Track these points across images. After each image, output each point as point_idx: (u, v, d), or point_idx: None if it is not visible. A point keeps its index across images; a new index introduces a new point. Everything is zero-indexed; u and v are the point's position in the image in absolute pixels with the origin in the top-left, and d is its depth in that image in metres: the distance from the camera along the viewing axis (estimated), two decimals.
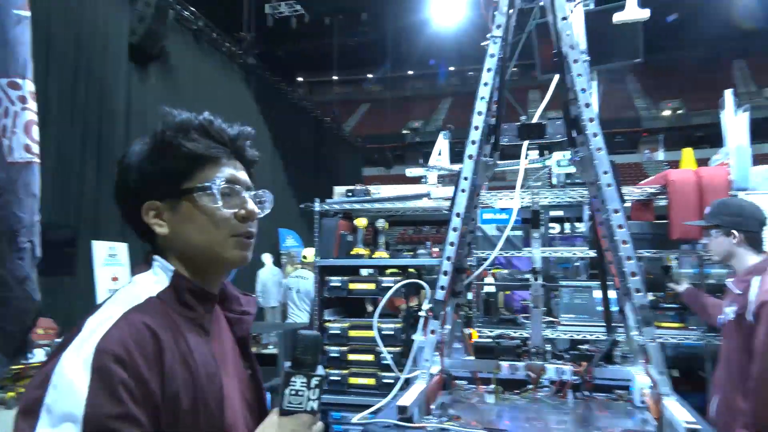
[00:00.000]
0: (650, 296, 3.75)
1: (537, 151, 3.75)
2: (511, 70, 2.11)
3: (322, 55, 26.31)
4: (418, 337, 1.79)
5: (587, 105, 1.68)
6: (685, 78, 28.80)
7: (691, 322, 3.39)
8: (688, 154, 4.14)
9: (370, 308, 4.58)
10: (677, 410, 1.41)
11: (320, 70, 30.55)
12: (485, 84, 1.77)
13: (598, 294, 3.59)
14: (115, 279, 5.49)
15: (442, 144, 4.10)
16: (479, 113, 1.78)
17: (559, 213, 4.31)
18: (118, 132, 7.68)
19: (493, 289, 3.55)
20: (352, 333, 3.70)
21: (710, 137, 28.16)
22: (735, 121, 3.47)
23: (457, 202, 1.77)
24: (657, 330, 3.38)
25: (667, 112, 29.05)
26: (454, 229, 1.77)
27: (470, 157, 1.78)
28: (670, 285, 3.20)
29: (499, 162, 2.07)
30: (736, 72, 30.23)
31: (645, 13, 2.77)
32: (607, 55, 3.40)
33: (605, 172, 1.65)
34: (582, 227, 4.30)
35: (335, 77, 30.99)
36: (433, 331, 1.76)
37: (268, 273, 10.29)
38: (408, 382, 1.75)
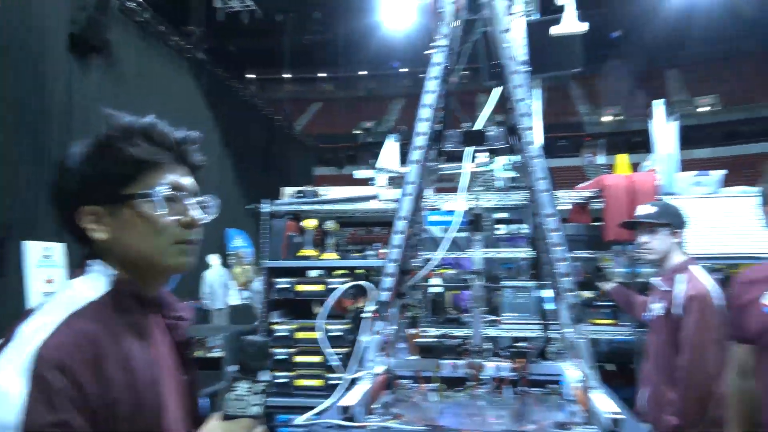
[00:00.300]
0: (586, 294, 3.96)
1: (487, 154, 3.87)
2: (459, 76, 2.18)
3: (274, 53, 25.97)
4: (362, 338, 1.82)
5: (524, 115, 1.76)
6: (624, 86, 30.18)
7: (623, 319, 3.59)
8: (622, 160, 4.38)
9: (317, 310, 4.58)
10: (603, 402, 1.51)
11: (272, 67, 30.12)
12: (430, 91, 1.83)
13: (546, 293, 3.75)
14: (49, 281, 5.24)
15: (391, 146, 4.15)
16: (424, 119, 1.83)
17: (504, 215, 4.45)
18: (56, 126, 7.31)
19: (440, 289, 3.63)
20: (300, 335, 3.70)
21: (646, 142, 29.66)
22: (664, 130, 3.70)
23: (402, 206, 1.82)
24: (591, 326, 3.60)
25: (607, 118, 30.38)
26: (399, 232, 1.82)
27: (415, 162, 1.83)
28: (600, 283, 3.38)
29: (443, 166, 2.13)
30: (669, 81, 32.00)
31: (583, 27, 2.92)
32: (548, 65, 3.56)
33: (541, 179, 1.74)
34: (526, 229, 4.46)
35: (287, 75, 30.66)
36: (377, 332, 1.80)
37: (215, 274, 10.08)
38: (353, 383, 1.78)
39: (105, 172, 0.95)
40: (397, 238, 1.81)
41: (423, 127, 1.83)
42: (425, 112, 1.83)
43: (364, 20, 21.28)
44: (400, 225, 1.81)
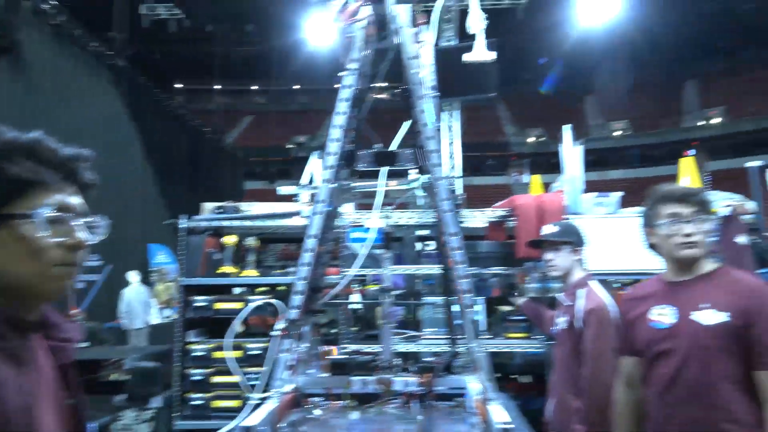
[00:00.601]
0: (502, 309, 4.13)
1: (417, 172, 3.97)
2: (373, 98, 2.25)
3: (204, 63, 25.34)
4: (271, 357, 1.81)
5: (430, 138, 1.85)
6: (547, 109, 31.94)
7: (535, 333, 3.77)
8: (536, 181, 4.64)
9: (240, 328, 4.47)
10: (498, 413, 1.59)
11: (201, 77, 29.34)
12: (340, 113, 1.87)
13: (457, 308, 3.87)
14: None
15: (315, 163, 4.17)
16: (335, 140, 1.88)
17: (426, 232, 4.57)
18: None
19: (359, 305, 3.67)
20: (217, 354, 3.60)
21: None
22: (571, 153, 3.96)
23: (312, 224, 1.85)
24: (506, 340, 3.75)
25: (531, 139, 31.96)
26: (309, 250, 1.84)
27: (326, 181, 1.86)
28: (513, 299, 3.55)
29: (357, 185, 2.18)
30: (588, 106, 34.22)
31: (491, 55, 3.09)
32: (464, 89, 3.76)
33: (444, 199, 1.82)
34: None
35: (218, 86, 29.94)
36: (286, 350, 1.80)
37: (133, 292, 9.59)
38: (260, 403, 1.77)
39: None
40: (307, 256, 1.83)
41: (333, 147, 1.87)
42: (336, 133, 1.87)
43: (297, 35, 21.27)
44: (310, 243, 1.83)
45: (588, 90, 33.62)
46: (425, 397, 1.99)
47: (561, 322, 2.81)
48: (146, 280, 11.29)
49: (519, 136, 33.42)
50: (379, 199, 2.27)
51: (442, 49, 3.68)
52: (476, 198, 27.14)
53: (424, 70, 1.95)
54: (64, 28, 9.47)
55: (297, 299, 1.80)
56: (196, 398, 3.61)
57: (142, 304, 9.60)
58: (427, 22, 2.16)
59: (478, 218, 3.85)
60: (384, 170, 2.26)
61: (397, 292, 4.52)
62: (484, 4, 5.88)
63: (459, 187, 4.48)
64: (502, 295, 4.55)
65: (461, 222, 3.59)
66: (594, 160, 31.75)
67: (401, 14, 1.90)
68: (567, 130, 4.09)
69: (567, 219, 3.39)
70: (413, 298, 4.15)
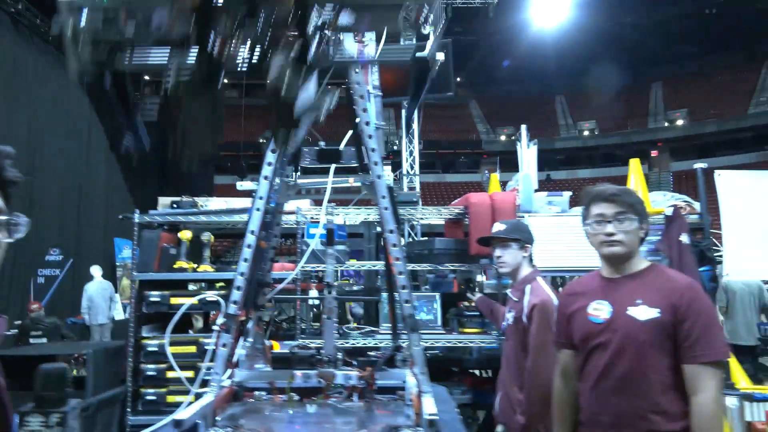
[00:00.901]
0: (460, 305, 4.21)
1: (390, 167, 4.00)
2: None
3: None
4: (210, 351, 1.83)
5: (370, 137, 1.88)
6: (518, 108, 32.37)
7: (491, 328, 3.86)
8: (494, 179, 4.73)
9: (198, 324, 4.46)
10: (428, 405, 1.65)
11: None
12: None
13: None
14: None
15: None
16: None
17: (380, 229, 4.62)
18: None
19: (317, 301, 3.69)
20: (172, 350, 3.58)
21: (542, 162, 31.87)
22: (526, 154, 4.06)
23: (251, 221, 1.86)
24: (462, 335, 3.83)
25: (503, 137, 32.35)
26: (248, 246, 1.86)
27: (265, 178, 1.88)
28: (467, 294, 3.62)
29: (302, 182, 2.20)
30: (558, 106, 34.81)
31: (440, 56, 3.15)
32: (423, 89, 3.82)
33: (383, 197, 1.86)
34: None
35: None
36: (224, 345, 1.82)
37: (96, 287, 9.39)
38: (198, 397, 1.78)
39: None
40: (246, 252, 1.85)
41: (275, 144, 1.89)
42: None
43: None
44: (249, 239, 1.85)
45: (558, 91, 34.24)
46: (366, 390, 2.03)
47: (509, 317, 2.89)
48: (112, 275, 11.08)
49: (491, 135, 33.82)
50: (326, 196, 2.29)
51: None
52: (451, 194, 27.39)
53: (365, 70, 1.98)
54: (24, 17, 9.19)
55: (236, 294, 1.82)
56: (150, 393, 3.59)
57: (105, 300, 9.42)
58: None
59: (435, 216, 3.92)
60: (332, 167, 2.29)
61: (356, 287, 4.56)
62: (456, 3, 5.93)
63: (417, 184, 4.55)
64: (459, 291, 4.64)
65: (404, 219, 3.65)
66: (563, 160, 32.38)
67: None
68: (523, 131, 4.19)
69: (519, 217, 3.48)
70: (371, 293, 4.19)
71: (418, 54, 3.36)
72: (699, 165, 4.23)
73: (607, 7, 27.87)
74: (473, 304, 3.75)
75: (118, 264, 11.93)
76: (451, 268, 3.85)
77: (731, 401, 2.74)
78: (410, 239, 4.45)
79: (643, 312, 1.85)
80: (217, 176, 20.84)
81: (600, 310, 1.98)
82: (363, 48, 1.97)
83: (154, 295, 3.63)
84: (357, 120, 1.94)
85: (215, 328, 1.86)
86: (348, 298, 3.39)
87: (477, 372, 4.43)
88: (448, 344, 3.75)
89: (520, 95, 33.34)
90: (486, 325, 3.89)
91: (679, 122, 31.29)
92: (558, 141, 32.16)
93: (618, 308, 1.92)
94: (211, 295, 2.95)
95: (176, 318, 2.15)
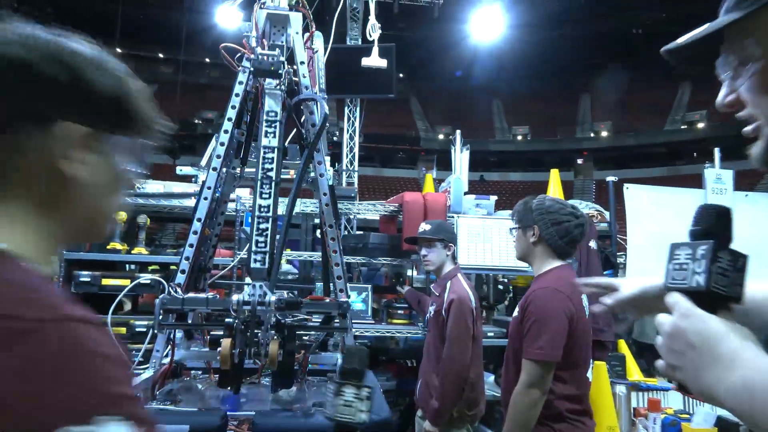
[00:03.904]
0: (389, 297, 4.43)
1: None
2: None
3: (106, 21, 23.52)
4: (153, 331, 1.92)
5: (316, 136, 2.03)
6: (456, 108, 33.23)
7: (417, 319, 4.11)
8: (429, 179, 4.98)
9: (127, 306, 4.41)
10: None
11: (102, 38, 27.12)
12: (232, 107, 2.00)
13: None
14: None
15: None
16: (225, 131, 2.00)
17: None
18: None
19: None
20: None
21: (471, 162, 32.92)
22: (459, 157, 4.32)
23: (198, 208, 1.96)
24: (391, 326, 4.04)
25: (441, 136, 33.12)
26: (195, 232, 1.96)
27: (213, 169, 1.99)
28: (397, 288, 3.84)
29: (246, 173, 2.31)
30: (494, 110, 36.04)
31: (383, 63, 3.33)
32: (365, 88, 3.98)
33: (324, 194, 2.02)
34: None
35: (118, 49, 27.85)
36: (164, 326, 1.91)
37: None
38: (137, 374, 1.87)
39: None
40: (192, 238, 1.95)
41: (224, 137, 2.00)
42: (227, 125, 2.00)
43: (211, 7, 20.39)
44: (196, 226, 1.95)
45: (496, 95, 35.42)
46: (298, 372, 2.18)
47: (431, 310, 3.13)
48: None
49: (430, 132, 34.49)
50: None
51: (346, 49, 3.87)
52: (388, 189, 27.73)
53: (312, 73, 2.12)
54: None
55: (180, 277, 1.92)
56: None
57: None
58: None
59: (371, 211, 4.10)
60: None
61: (290, 276, 4.68)
62: (402, 0, 6.10)
63: (355, 180, 4.72)
64: (390, 284, 4.86)
65: (343, 214, 3.81)
66: (496, 162, 33.63)
67: (294, 20, 2.06)
68: (458, 135, 4.45)
69: (449, 217, 3.73)
70: (306, 282, 4.33)
71: (364, 61, 3.55)
72: (610, 178, 4.68)
73: (544, 19, 29.22)
74: (401, 296, 3.98)
75: None
76: (384, 262, 4.05)
77: (621, 389, 3.14)
78: (346, 232, 4.60)
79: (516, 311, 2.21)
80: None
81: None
82: (313, 54, 2.12)
83: (84, 275, 3.58)
84: (302, 120, 2.08)
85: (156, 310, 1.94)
86: (282, 287, 3.50)
87: (402, 361, 4.68)
88: (377, 334, 3.96)
89: (459, 96, 34.23)
90: (413, 317, 4.14)
91: (604, 134, 33.30)
92: (492, 143, 33.34)
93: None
94: (145, 278, 2.98)
95: (122, 294, 2.21)
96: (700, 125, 30.30)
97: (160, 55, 32.09)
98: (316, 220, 4.90)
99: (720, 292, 0.66)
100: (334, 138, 13.02)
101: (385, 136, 32.65)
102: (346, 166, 4.64)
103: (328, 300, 1.92)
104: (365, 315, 4.08)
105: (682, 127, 31.27)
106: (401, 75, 38.25)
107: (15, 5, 10.89)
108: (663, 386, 3.39)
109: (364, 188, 28.06)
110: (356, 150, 4.56)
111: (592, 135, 33.69)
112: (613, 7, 29.04)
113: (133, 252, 3.68)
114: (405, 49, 34.55)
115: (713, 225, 0.71)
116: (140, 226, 3.71)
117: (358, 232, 4.57)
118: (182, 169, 4.29)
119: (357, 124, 4.39)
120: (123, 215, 3.69)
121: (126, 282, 3.65)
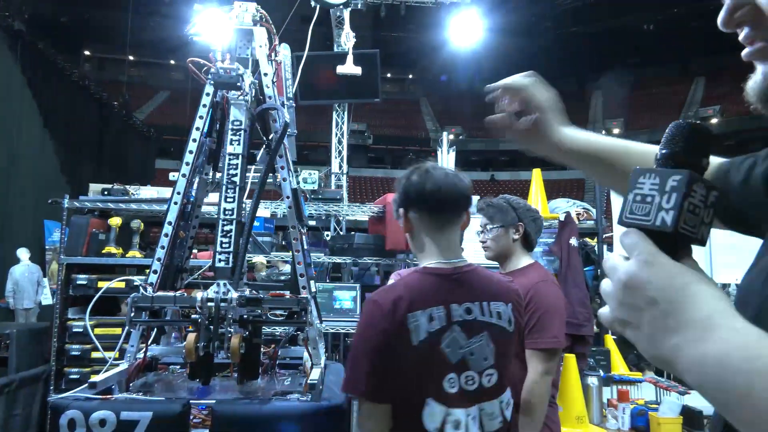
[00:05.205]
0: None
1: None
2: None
3: (118, 31, 23.98)
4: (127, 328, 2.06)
5: (279, 143, 2.15)
6: (465, 109, 33.23)
7: None
8: None
9: (125, 308, 4.59)
10: (314, 374, 1.96)
11: (113, 45, 27.68)
12: (200, 117, 2.14)
13: (338, 293, 4.25)
14: None
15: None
16: (193, 140, 2.14)
17: (312, 223, 4.90)
18: None
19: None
20: (98, 331, 3.74)
21: (482, 161, 33.06)
22: (446, 158, 4.43)
23: (168, 212, 2.10)
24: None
25: (451, 136, 33.14)
26: (165, 235, 2.09)
27: (183, 175, 2.12)
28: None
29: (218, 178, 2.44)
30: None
31: (357, 70, 3.45)
32: (352, 92, 4.10)
33: (287, 197, 2.15)
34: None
35: (131, 57, 28.40)
36: (137, 323, 2.05)
37: (22, 270, 9.16)
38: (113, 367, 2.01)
39: None
40: (164, 240, 2.08)
41: (193, 146, 2.13)
42: (195, 134, 2.13)
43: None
44: (167, 228, 2.08)
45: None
46: (268, 365, 2.31)
47: None
48: (41, 259, 10.76)
49: (439, 133, 34.51)
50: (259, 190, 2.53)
51: (332, 55, 3.98)
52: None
53: (279, 83, 2.25)
54: None
55: (152, 277, 2.06)
56: (74, 372, 3.73)
57: (32, 284, 9.20)
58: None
59: (358, 212, 4.23)
60: (252, 168, 2.53)
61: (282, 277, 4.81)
62: (410, 3, 6.20)
63: (344, 182, 4.85)
64: (382, 283, 4.99)
65: (332, 216, 3.94)
66: (507, 161, 33.58)
67: (258, 34, 2.19)
68: (444, 137, 4.55)
69: None
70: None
71: (339, 69, 3.68)
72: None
73: (559, 16, 29.11)
74: None
75: (47, 247, 11.58)
76: (371, 261, 4.17)
77: (592, 380, 3.21)
78: (335, 233, 4.73)
79: None
80: (160, 160, 20.40)
81: None
82: (278, 65, 2.24)
83: (81, 278, 3.76)
84: (269, 128, 2.21)
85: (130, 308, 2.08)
86: (256, 285, 3.63)
87: None
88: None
89: (469, 96, 34.21)
90: None
91: (616, 131, 33.01)
92: (503, 143, 33.25)
93: None
94: (137, 280, 3.13)
95: (97, 296, 2.36)
96: (714, 120, 29.94)
97: (171, 62, 32.59)
98: (312, 222, 5.04)
99: (687, 234, 0.52)
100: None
101: (396, 137, 32.80)
102: (336, 170, 4.77)
103: (288, 296, 2.04)
104: (354, 313, 4.20)
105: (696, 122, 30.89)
106: (410, 76, 38.36)
107: (26, 17, 11.21)
108: (636, 378, 3.46)
109: (375, 190, 28.21)
110: (344, 153, 4.68)
111: (603, 133, 33.38)
112: (624, 4, 28.87)
113: (127, 255, 3.85)
114: (413, 52, 34.75)
115: (688, 149, 0.56)
116: (134, 231, 3.87)
117: (344, 234, 4.69)
118: (174, 175, 4.44)
119: (345, 128, 4.51)
120: (117, 220, 3.87)
121: (120, 285, 3.83)
